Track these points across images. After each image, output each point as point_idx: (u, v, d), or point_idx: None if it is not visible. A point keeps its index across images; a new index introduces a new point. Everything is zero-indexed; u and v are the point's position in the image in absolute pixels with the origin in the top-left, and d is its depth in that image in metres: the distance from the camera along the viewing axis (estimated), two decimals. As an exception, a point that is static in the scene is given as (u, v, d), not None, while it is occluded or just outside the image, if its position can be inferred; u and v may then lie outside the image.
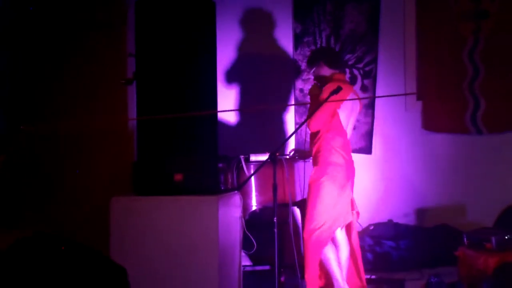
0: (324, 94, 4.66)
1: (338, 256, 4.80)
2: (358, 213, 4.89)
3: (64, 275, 2.66)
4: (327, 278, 4.87)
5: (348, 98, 4.74)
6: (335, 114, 4.73)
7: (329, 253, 4.75)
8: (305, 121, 4.71)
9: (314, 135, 4.83)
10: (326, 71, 4.89)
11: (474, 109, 6.13)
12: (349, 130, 4.89)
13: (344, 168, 4.75)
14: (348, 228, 4.90)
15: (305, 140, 5.05)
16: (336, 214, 4.71)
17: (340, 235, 4.84)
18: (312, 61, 4.97)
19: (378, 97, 6.27)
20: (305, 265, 4.79)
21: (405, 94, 6.24)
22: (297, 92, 6.44)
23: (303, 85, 6.39)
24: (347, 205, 4.78)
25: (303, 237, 4.81)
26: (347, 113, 4.81)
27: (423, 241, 5.87)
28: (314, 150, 4.82)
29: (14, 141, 5.89)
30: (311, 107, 4.92)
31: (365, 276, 4.98)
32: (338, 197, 4.71)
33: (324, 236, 4.70)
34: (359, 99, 4.97)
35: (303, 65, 6.35)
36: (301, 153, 5.29)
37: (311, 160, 5.20)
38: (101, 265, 2.77)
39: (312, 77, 5.10)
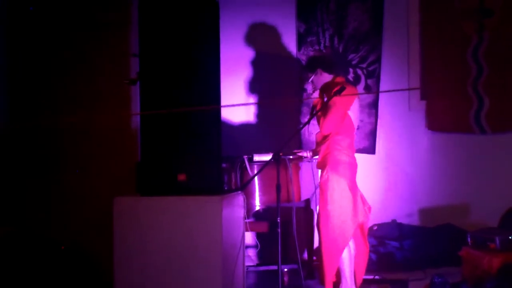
0: (334, 98, 4.70)
1: (353, 254, 4.80)
2: (370, 208, 4.92)
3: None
4: (338, 275, 4.85)
5: (354, 99, 4.77)
6: (345, 116, 4.76)
7: (345, 252, 4.75)
8: (307, 122, 4.74)
9: (322, 138, 4.87)
10: (325, 77, 4.94)
11: (478, 108, 6.12)
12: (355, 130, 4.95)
13: (352, 166, 4.81)
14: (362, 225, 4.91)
15: (301, 141, 5.05)
16: (357, 211, 4.75)
17: None
18: (310, 70, 5.02)
19: (382, 92, 6.25)
20: (324, 265, 4.76)
21: (408, 89, 6.23)
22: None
23: (307, 84, 6.38)
24: (361, 202, 4.83)
25: (320, 238, 4.80)
26: (355, 114, 4.85)
27: (427, 241, 5.87)
28: (322, 151, 4.85)
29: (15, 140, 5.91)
30: (322, 112, 4.91)
31: (363, 276, 4.96)
32: (355, 194, 4.76)
33: (346, 235, 4.71)
34: (366, 93, 5.02)
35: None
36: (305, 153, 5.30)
37: (315, 160, 5.20)
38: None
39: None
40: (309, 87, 6.29)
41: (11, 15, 5.94)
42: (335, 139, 4.79)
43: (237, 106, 6.26)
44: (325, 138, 4.85)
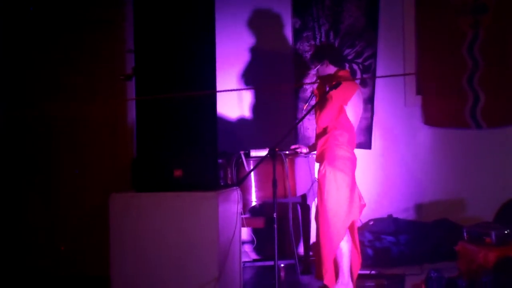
0: (331, 92, 4.68)
1: (351, 249, 4.79)
2: (364, 205, 4.89)
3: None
4: (336, 269, 4.83)
5: (354, 94, 4.76)
6: (342, 110, 4.75)
7: (344, 247, 4.74)
8: (303, 117, 4.71)
9: (321, 131, 4.85)
10: (330, 69, 4.92)
11: (474, 104, 6.13)
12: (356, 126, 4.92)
13: (351, 162, 4.78)
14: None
15: (297, 136, 5.02)
16: (352, 206, 4.73)
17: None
18: (317, 59, 4.97)
19: (378, 77, 6.24)
20: (322, 259, 4.75)
21: (404, 75, 6.23)
22: (296, 86, 6.44)
23: (303, 78, 6.38)
24: (358, 197, 4.81)
25: (318, 232, 4.79)
26: (354, 109, 4.82)
27: (423, 236, 5.87)
28: (320, 145, 4.83)
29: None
30: (319, 104, 4.91)
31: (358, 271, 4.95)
32: (352, 189, 4.73)
33: (341, 229, 4.69)
34: (361, 78, 4.99)
35: (303, 60, 6.35)
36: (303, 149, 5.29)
37: (311, 155, 5.18)
38: None
39: (314, 73, 5.09)
40: (304, 81, 6.31)
41: (9, 12, 5.93)
42: (333, 134, 4.77)
43: (232, 91, 6.23)
44: (323, 132, 4.83)
